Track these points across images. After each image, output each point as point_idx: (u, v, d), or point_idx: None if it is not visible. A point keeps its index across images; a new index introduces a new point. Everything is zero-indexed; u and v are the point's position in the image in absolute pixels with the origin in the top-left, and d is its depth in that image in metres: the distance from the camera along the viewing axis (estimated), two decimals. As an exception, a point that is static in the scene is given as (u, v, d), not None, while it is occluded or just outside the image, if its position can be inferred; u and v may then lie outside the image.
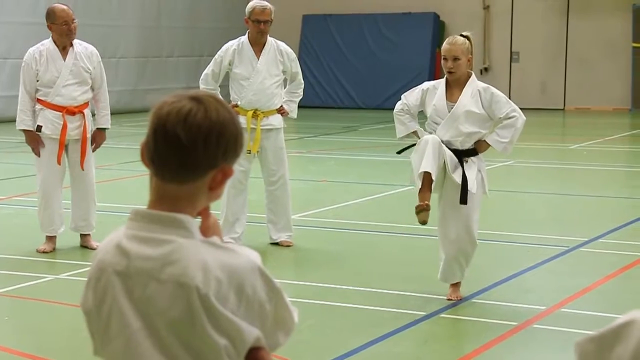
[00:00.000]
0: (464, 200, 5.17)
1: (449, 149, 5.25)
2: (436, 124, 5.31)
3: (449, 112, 5.25)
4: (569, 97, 20.47)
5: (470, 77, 5.31)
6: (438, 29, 21.00)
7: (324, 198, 9.07)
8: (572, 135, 16.39)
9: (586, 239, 7.02)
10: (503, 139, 5.35)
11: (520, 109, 5.41)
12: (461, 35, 5.29)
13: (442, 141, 5.21)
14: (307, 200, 8.85)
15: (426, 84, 5.46)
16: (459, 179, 5.18)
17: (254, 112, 6.75)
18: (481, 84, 5.34)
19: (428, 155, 5.06)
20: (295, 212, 7.29)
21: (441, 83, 5.36)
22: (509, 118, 5.29)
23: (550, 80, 20.59)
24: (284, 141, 6.97)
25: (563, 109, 20.38)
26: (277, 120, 6.89)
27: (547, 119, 18.65)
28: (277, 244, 6.85)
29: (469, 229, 5.23)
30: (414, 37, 20.56)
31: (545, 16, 20.50)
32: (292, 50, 7.04)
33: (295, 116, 7.09)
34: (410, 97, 5.44)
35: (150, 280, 1.69)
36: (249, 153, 6.73)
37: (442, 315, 5.13)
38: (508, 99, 5.36)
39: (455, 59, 5.20)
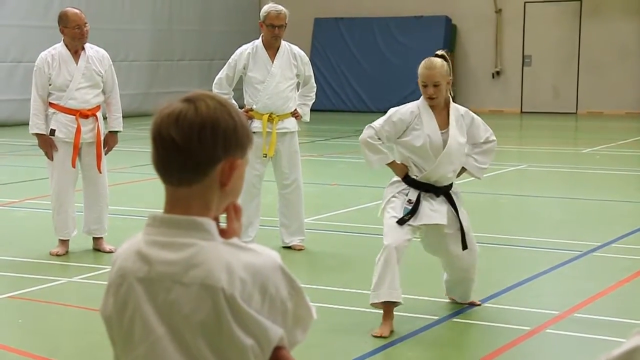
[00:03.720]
0: (465, 246, 4.96)
1: (432, 186, 4.91)
2: (422, 159, 4.88)
3: (444, 145, 4.87)
4: (581, 101, 20.41)
5: (449, 101, 4.94)
6: (450, 32, 20.99)
7: (335, 202, 9.07)
8: (585, 139, 16.34)
9: (599, 244, 6.99)
10: (483, 165, 5.06)
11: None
12: (436, 55, 4.90)
13: (430, 182, 4.89)
14: (319, 204, 8.84)
15: (401, 111, 4.93)
16: (451, 229, 4.94)
17: (269, 116, 6.76)
18: (461, 109, 5.00)
19: (392, 274, 4.71)
20: (308, 216, 7.29)
21: (421, 107, 4.91)
22: (489, 142, 5.03)
23: (563, 84, 20.53)
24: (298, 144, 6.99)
25: (575, 113, 20.32)
26: (291, 123, 6.89)
27: (560, 122, 18.60)
28: (289, 247, 6.86)
29: (473, 253, 5.06)
30: (426, 41, 20.55)
31: (557, 20, 20.46)
32: (305, 54, 7.05)
33: (308, 119, 7.10)
34: (385, 126, 4.92)
35: (173, 284, 1.68)
36: (265, 157, 6.74)
37: (455, 319, 5.12)
38: (484, 122, 5.06)
39: (436, 84, 4.83)
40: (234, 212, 1.77)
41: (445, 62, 4.88)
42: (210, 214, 1.72)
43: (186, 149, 1.67)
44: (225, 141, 1.70)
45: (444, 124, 4.93)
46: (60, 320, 5.22)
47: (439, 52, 4.94)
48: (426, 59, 4.91)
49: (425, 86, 4.86)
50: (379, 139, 4.98)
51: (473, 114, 5.05)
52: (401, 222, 4.86)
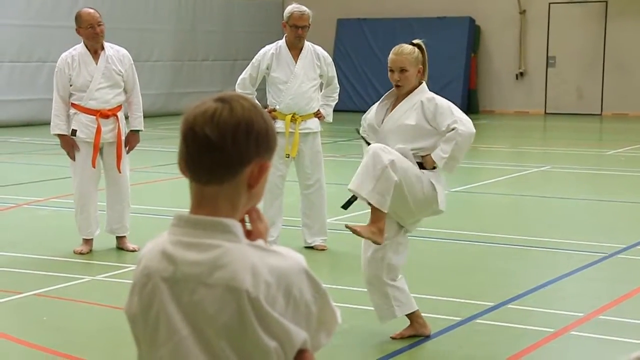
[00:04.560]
0: (344, 205, 4.82)
1: None
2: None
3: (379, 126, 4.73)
4: (606, 102, 20.25)
5: (417, 87, 4.72)
6: (474, 33, 20.90)
7: (358, 202, 9.03)
8: (609, 140, 16.21)
9: (624, 246, 6.93)
10: (443, 154, 4.60)
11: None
12: (411, 43, 4.71)
13: None
14: (341, 204, 8.82)
15: (378, 102, 4.90)
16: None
17: (292, 116, 6.77)
18: (428, 94, 4.70)
19: (364, 172, 4.47)
20: (330, 216, 7.29)
21: (390, 96, 4.84)
22: (451, 130, 4.60)
23: (587, 85, 20.39)
24: (321, 145, 6.99)
25: (600, 115, 20.17)
26: (314, 124, 6.90)
27: (584, 124, 18.47)
28: (311, 247, 6.86)
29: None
30: (449, 42, 20.48)
31: (582, 21, 20.32)
32: (328, 55, 7.05)
33: (331, 120, 7.10)
34: (367, 116, 4.91)
35: (198, 285, 1.68)
36: (287, 157, 6.74)
37: (478, 320, 5.09)
38: (454, 110, 4.65)
39: (402, 70, 4.64)
40: (255, 213, 1.78)
41: (417, 50, 4.69)
42: (237, 215, 1.73)
43: (219, 147, 1.68)
44: (258, 143, 1.71)
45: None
46: (84, 318, 5.24)
47: (415, 41, 4.73)
48: (398, 45, 4.74)
49: (391, 71, 4.68)
50: (365, 130, 4.93)
51: (440, 101, 4.67)
52: (345, 206, 4.80)
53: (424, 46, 4.73)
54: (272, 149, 1.74)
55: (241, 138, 1.68)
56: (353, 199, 4.76)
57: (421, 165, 4.68)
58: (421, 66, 4.71)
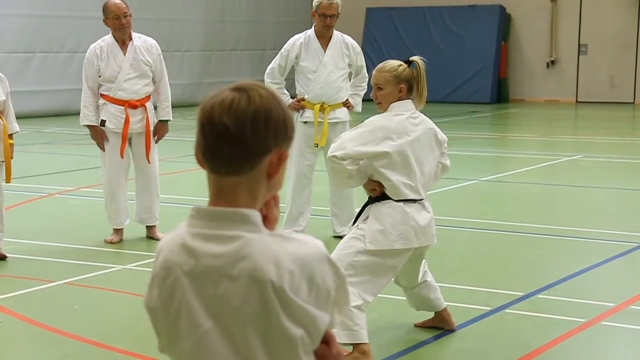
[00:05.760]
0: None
1: None
2: None
3: None
4: (639, 90, 20.00)
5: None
6: (504, 21, 20.73)
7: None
8: (642, 129, 16.01)
9: (657, 235, 6.85)
10: None
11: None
12: (407, 60, 4.32)
13: None
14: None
15: None
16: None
17: (321, 106, 6.76)
18: (375, 116, 4.38)
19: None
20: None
21: None
22: None
23: (620, 73, 20.15)
24: (349, 134, 6.96)
25: (633, 103, 19.93)
26: (343, 113, 6.89)
27: (617, 113, 18.26)
28: (340, 237, 6.85)
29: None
30: (479, 30, 20.33)
31: (614, 8, 20.07)
32: (357, 44, 7.03)
33: (360, 110, 7.08)
34: None
35: (221, 278, 1.66)
36: (316, 146, 6.73)
37: (508, 310, 5.06)
38: (348, 134, 4.31)
39: (379, 88, 4.27)
40: (273, 200, 1.76)
41: (401, 67, 4.27)
42: (257, 206, 1.71)
43: (239, 137, 1.65)
44: (277, 132, 1.69)
45: None
46: (115, 306, 5.29)
47: (412, 58, 4.34)
48: (384, 61, 4.39)
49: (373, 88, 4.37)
50: None
51: (364, 123, 4.32)
52: None
53: (420, 64, 4.31)
54: (291, 138, 1.72)
55: (260, 127, 1.66)
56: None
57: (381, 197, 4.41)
58: (404, 85, 4.27)
